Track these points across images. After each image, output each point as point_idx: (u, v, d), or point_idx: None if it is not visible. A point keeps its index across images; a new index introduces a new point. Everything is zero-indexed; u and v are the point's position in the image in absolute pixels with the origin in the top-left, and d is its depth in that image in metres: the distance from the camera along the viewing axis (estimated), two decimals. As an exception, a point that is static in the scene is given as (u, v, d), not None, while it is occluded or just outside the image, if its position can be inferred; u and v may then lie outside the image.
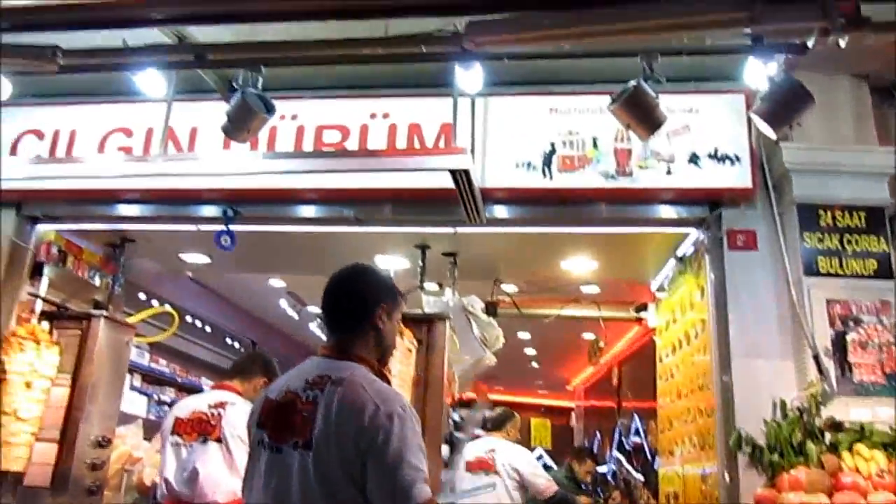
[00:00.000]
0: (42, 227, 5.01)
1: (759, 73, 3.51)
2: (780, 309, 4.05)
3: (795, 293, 3.95)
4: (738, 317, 4.06)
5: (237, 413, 3.24)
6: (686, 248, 4.64)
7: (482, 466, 5.10)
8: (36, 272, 4.86)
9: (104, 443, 4.14)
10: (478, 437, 5.39)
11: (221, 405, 3.33)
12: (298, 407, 1.89)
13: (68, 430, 4.11)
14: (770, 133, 3.50)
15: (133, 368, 6.88)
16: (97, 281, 5.34)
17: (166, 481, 3.24)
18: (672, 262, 4.89)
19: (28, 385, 3.87)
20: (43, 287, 4.42)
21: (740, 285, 4.12)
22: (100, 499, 4.12)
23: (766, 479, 3.71)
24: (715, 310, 4.15)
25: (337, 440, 1.79)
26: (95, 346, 4.27)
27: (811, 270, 4.00)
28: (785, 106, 3.32)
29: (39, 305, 4.26)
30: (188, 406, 3.44)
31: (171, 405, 5.56)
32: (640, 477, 8.50)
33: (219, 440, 3.22)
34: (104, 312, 4.46)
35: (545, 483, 5.11)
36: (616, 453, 10.00)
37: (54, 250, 5.06)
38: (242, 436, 2.95)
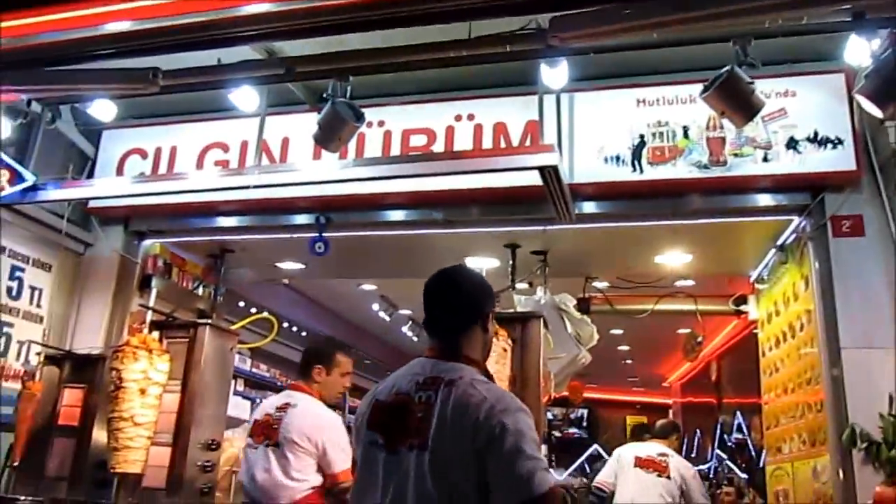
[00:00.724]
0: (148, 242, 5.29)
1: (861, 50, 3.33)
2: (891, 297, 3.85)
3: (907, 279, 3.75)
4: (847, 306, 3.89)
5: (295, 415, 3.12)
6: (787, 237, 4.45)
7: (655, 467, 5.46)
8: (144, 284, 5.13)
9: (214, 446, 4.30)
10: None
11: (284, 407, 3.19)
12: (412, 408, 1.89)
13: (180, 434, 4.29)
14: (876, 112, 3.31)
15: (237, 374, 7.15)
16: (200, 291, 5.59)
17: (242, 485, 3.23)
18: (772, 252, 4.71)
19: (143, 392, 4.07)
20: (152, 298, 4.66)
21: (847, 273, 3.94)
22: (211, 499, 4.27)
23: (884, 475, 3.54)
24: (821, 300, 3.98)
25: (453, 440, 1.79)
26: (202, 353, 4.44)
27: (922, 254, 3.79)
28: (891, 83, 3.14)
29: (149, 316, 4.48)
30: (262, 408, 3.36)
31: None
32: (743, 476, 8.24)
33: (277, 444, 3.08)
34: (209, 321, 4.64)
35: (703, 501, 5.48)
36: (718, 451, 9.72)
37: (160, 263, 5.32)
38: (297, 439, 3.04)
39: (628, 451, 5.68)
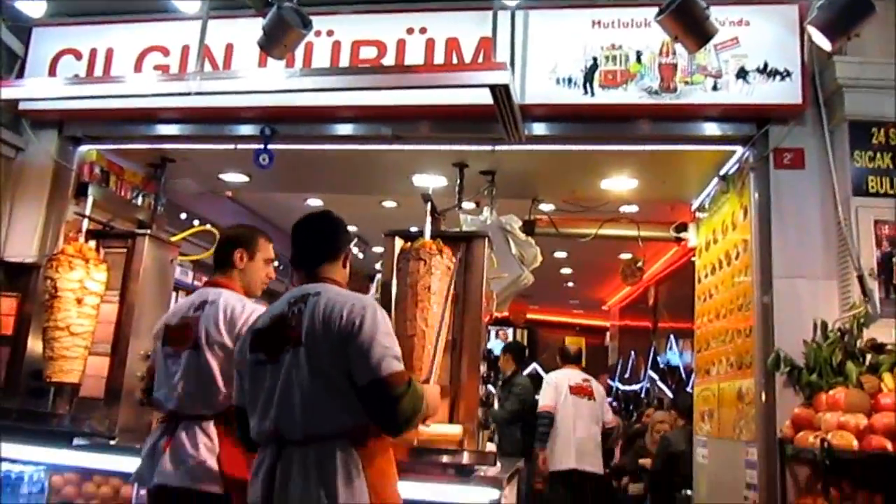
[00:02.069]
0: (84, 148, 5.09)
1: (817, -20, 3.33)
2: (825, 230, 3.98)
3: (842, 213, 3.87)
4: (782, 237, 4.00)
5: (217, 312, 2.77)
6: (730, 167, 4.53)
7: (585, 392, 6.32)
8: (80, 192, 4.95)
9: (153, 356, 4.28)
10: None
11: (202, 306, 2.83)
12: (287, 322, 2.23)
13: (119, 345, 4.23)
14: (826, 45, 3.35)
15: (178, 286, 7.04)
16: (140, 201, 5.43)
17: (155, 400, 2.89)
18: (715, 181, 4.79)
19: (79, 302, 3.98)
20: (88, 207, 4.50)
21: (785, 205, 4.04)
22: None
23: (803, 398, 3.73)
24: (758, 230, 4.09)
25: (323, 333, 2.14)
26: (141, 264, 4.35)
27: (860, 190, 3.90)
28: (844, 15, 3.17)
29: (85, 224, 4.34)
30: (174, 312, 2.97)
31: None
32: (670, 395, 8.63)
33: (197, 348, 2.75)
34: (148, 231, 4.54)
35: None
36: (650, 372, 10.12)
37: (97, 170, 5.13)
38: (224, 338, 2.72)
39: (563, 378, 6.34)
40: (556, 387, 6.26)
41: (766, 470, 3.79)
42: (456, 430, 3.26)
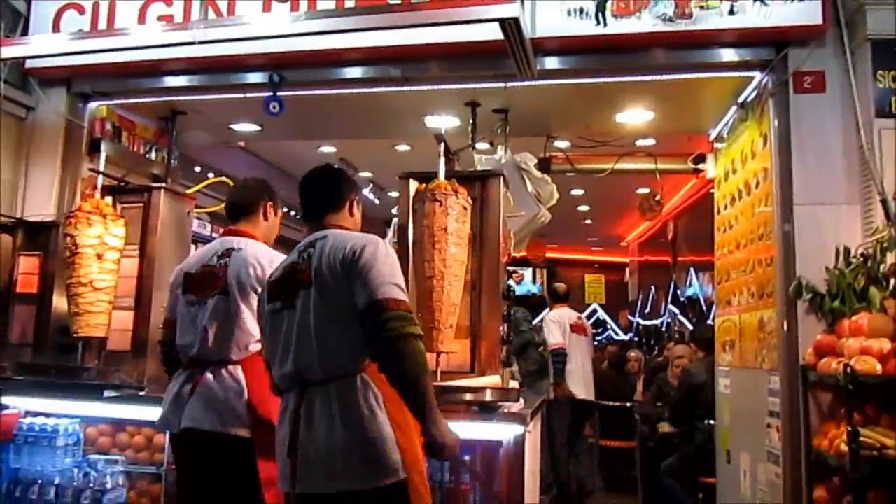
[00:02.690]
0: (93, 104, 5.07)
1: None
2: (847, 154, 3.90)
3: (865, 135, 3.78)
4: (802, 163, 3.93)
5: (246, 259, 2.79)
6: (749, 94, 4.42)
7: (583, 331, 6.73)
8: (93, 149, 4.95)
9: (177, 309, 4.33)
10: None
11: (228, 253, 2.83)
12: (299, 269, 2.29)
13: (141, 298, 4.30)
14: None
15: (196, 239, 7.09)
16: (153, 155, 5.43)
17: (178, 348, 2.88)
18: (733, 109, 4.69)
19: (99, 257, 4.03)
20: (101, 163, 4.50)
21: (806, 130, 3.95)
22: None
23: (825, 325, 3.71)
24: (778, 157, 4.01)
25: (329, 272, 2.20)
26: (158, 218, 4.38)
27: (883, 112, 3.80)
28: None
29: (101, 181, 4.35)
30: (195, 260, 2.95)
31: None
32: (690, 328, 8.64)
33: (227, 293, 2.75)
34: (163, 185, 4.55)
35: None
36: (671, 306, 10.13)
37: (108, 126, 5.12)
38: (254, 284, 2.73)
39: (564, 317, 6.65)
40: (560, 324, 6.51)
41: (789, 397, 3.80)
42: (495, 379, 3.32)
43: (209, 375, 2.72)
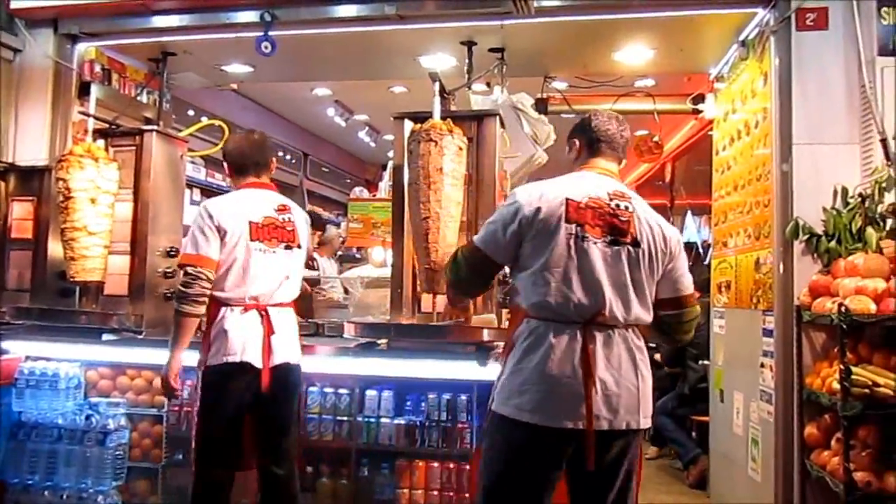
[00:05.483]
0: (82, 46, 4.96)
1: None
2: (848, 93, 3.85)
3: (867, 74, 3.72)
4: (802, 101, 3.88)
5: (301, 217, 3.34)
6: (750, 31, 4.33)
7: None
8: (83, 92, 4.86)
9: (172, 252, 4.32)
10: None
11: (285, 209, 3.26)
12: (618, 213, 2.37)
13: (137, 243, 4.28)
14: None
15: (191, 183, 7.05)
16: (145, 98, 5.33)
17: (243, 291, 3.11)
18: (734, 47, 4.60)
19: (93, 201, 3.98)
20: (91, 106, 4.42)
21: (807, 68, 3.89)
22: (173, 304, 4.35)
23: (821, 266, 3.72)
24: (778, 95, 3.95)
25: (650, 245, 2.38)
26: (151, 161, 4.33)
27: (886, 50, 3.75)
28: None
29: (91, 124, 4.29)
30: (255, 209, 3.16)
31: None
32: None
33: (298, 247, 3.25)
34: (156, 128, 4.49)
35: None
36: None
37: (97, 68, 5.02)
38: (307, 242, 3.37)
39: None
40: None
41: (783, 337, 3.83)
42: (491, 317, 3.34)
43: (280, 317, 3.16)
